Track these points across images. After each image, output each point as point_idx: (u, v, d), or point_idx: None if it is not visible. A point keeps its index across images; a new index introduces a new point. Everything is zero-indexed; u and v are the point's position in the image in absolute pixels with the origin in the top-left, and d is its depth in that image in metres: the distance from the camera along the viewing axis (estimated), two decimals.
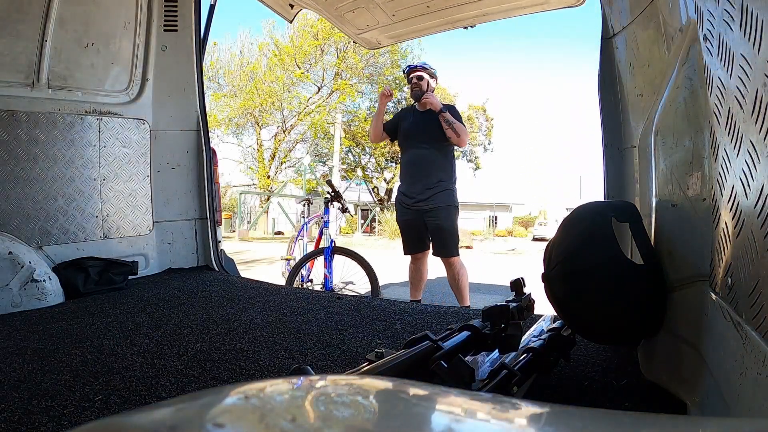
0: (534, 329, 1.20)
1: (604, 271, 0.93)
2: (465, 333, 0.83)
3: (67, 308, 1.89)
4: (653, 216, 1.09)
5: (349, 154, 19.96)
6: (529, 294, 1.24)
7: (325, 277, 3.03)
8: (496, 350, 0.88)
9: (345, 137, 18.17)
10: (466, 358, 0.77)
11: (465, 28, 2.69)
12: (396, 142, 3.07)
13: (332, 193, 3.33)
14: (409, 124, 2.88)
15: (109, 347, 1.40)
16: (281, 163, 19.45)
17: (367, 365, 0.71)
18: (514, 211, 32.06)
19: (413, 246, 2.86)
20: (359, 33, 2.83)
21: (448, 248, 2.75)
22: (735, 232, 0.60)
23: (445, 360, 0.71)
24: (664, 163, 1.03)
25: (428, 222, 2.76)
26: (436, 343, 0.76)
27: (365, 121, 18.48)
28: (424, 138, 2.78)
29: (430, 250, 2.83)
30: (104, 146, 2.36)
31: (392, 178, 19.91)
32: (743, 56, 0.56)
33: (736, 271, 0.59)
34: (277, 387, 0.30)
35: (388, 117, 3.17)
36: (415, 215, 2.80)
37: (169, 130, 2.61)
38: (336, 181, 17.48)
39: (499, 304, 0.96)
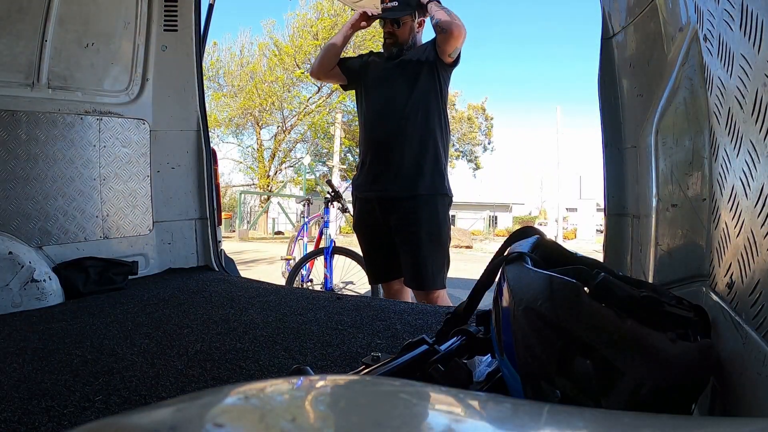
0: None
1: None
2: (461, 337, 0.83)
3: (67, 308, 1.89)
4: (653, 216, 1.09)
5: (349, 154, 19.95)
6: None
7: (325, 277, 3.03)
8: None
9: (345, 137, 18.16)
10: (463, 361, 0.77)
11: None
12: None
13: (332, 193, 3.32)
14: (379, 72, 1.98)
15: (109, 347, 1.40)
16: (281, 163, 19.44)
17: (364, 369, 0.71)
18: (514, 211, 32.06)
19: (379, 268, 2.02)
20: (357, 1, 2.81)
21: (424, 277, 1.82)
22: (735, 232, 0.60)
23: (442, 363, 0.72)
24: (664, 163, 1.03)
25: (395, 226, 1.87)
26: (432, 346, 0.76)
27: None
28: (401, 93, 1.87)
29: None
30: (104, 146, 2.36)
31: None
32: (743, 56, 0.56)
33: (736, 271, 0.59)
34: (277, 387, 0.30)
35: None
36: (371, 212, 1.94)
37: (169, 130, 2.61)
38: (336, 181, 17.46)
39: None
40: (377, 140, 1.90)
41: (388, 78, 1.93)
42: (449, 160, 2.13)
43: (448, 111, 2.68)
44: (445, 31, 1.78)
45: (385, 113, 1.90)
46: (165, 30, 2.54)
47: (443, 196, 1.85)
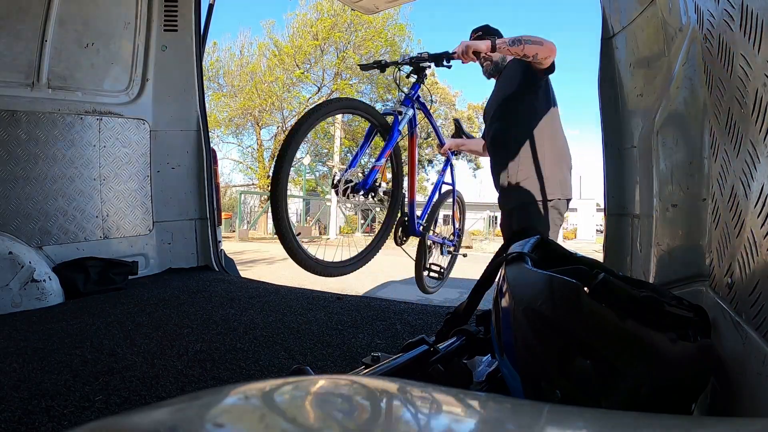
0: None
1: None
2: (461, 337, 0.82)
3: (67, 308, 1.89)
4: (653, 216, 1.09)
5: (349, 155, 19.95)
6: None
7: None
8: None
9: (345, 137, 18.16)
10: (463, 361, 0.77)
11: None
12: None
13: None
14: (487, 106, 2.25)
15: (109, 347, 1.40)
16: None
17: (364, 369, 0.71)
18: None
19: None
20: (357, 1, 2.79)
21: None
22: (735, 232, 0.60)
23: (442, 364, 0.71)
24: (664, 163, 1.03)
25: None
26: (432, 347, 0.76)
27: (365, 121, 18.46)
28: (500, 115, 2.08)
29: None
30: (104, 146, 2.36)
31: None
32: (743, 56, 0.56)
33: (736, 271, 0.59)
34: (277, 387, 0.30)
35: None
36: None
37: (169, 130, 2.61)
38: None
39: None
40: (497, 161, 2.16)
41: (492, 104, 2.17)
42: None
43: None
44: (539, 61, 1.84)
45: (495, 135, 2.12)
46: (165, 30, 2.54)
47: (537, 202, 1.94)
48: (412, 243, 2.54)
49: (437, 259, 2.70)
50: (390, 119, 2.11)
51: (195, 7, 2.61)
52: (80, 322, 1.67)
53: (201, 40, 2.67)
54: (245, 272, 3.43)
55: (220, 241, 2.77)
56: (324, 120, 2.00)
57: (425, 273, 2.57)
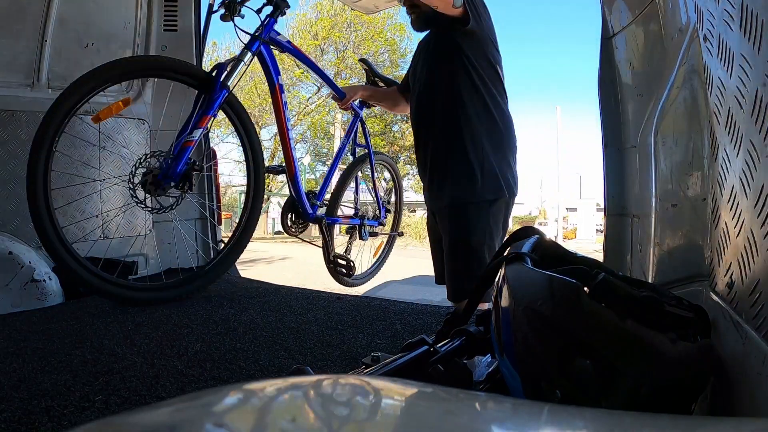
0: None
1: None
2: (461, 337, 0.83)
3: (67, 308, 1.89)
4: (653, 216, 1.09)
5: (350, 154, 19.95)
6: None
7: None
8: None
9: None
10: (463, 361, 0.77)
11: None
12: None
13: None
14: (412, 71, 1.71)
15: (109, 347, 1.40)
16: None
17: (364, 369, 0.71)
18: (514, 211, 32.00)
19: (436, 270, 1.72)
20: (356, 1, 2.77)
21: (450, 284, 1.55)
22: (735, 232, 0.60)
23: (442, 364, 0.71)
24: (664, 163, 1.03)
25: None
26: (432, 347, 0.76)
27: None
28: (426, 83, 1.56)
29: None
30: (104, 146, 2.36)
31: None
32: (743, 56, 0.56)
33: (736, 271, 0.59)
34: (277, 387, 0.30)
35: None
36: (432, 219, 1.71)
37: (169, 130, 2.61)
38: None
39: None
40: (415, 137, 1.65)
41: (416, 68, 1.64)
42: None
43: None
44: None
45: (416, 107, 1.63)
46: (165, 30, 2.54)
47: (479, 202, 1.49)
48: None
49: (357, 244, 2.28)
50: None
51: (195, 7, 2.61)
52: (80, 322, 1.66)
53: (201, 40, 2.67)
54: (245, 272, 3.42)
55: (220, 241, 2.77)
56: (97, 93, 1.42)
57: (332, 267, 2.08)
